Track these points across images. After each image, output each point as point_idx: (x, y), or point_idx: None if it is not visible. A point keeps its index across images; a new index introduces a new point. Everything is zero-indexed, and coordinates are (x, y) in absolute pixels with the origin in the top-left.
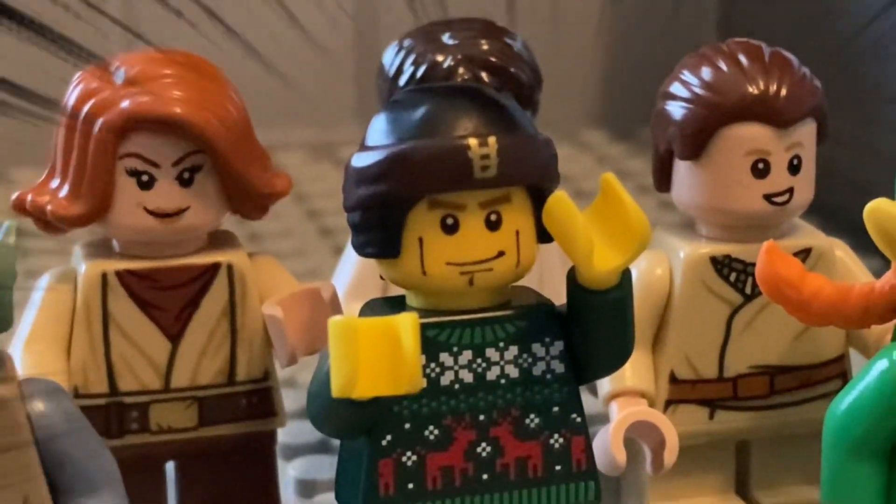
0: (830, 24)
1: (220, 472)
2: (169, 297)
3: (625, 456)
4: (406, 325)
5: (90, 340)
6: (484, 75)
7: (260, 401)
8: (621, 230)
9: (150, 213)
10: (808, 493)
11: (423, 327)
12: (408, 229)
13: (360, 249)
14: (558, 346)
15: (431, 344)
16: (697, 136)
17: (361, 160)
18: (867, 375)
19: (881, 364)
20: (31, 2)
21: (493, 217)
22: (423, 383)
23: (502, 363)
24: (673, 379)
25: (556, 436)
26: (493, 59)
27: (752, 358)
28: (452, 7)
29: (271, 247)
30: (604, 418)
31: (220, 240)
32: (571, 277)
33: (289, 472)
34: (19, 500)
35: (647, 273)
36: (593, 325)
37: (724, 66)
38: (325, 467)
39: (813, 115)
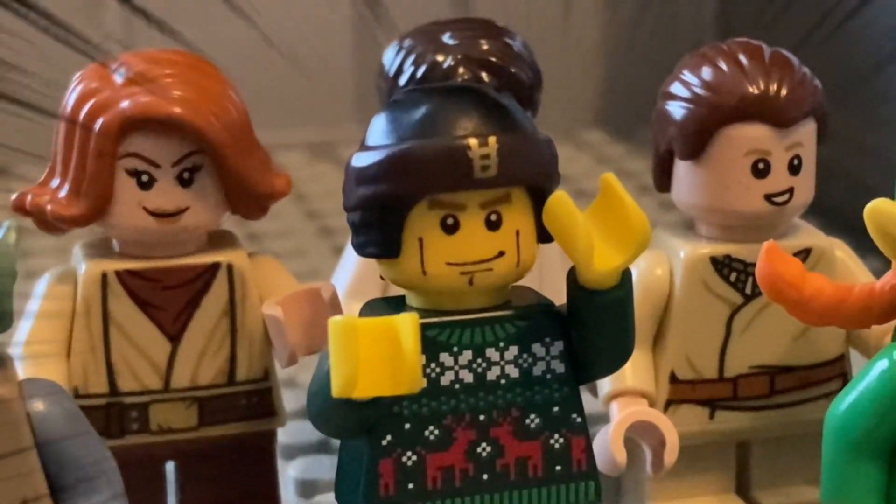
0: (830, 24)
1: (220, 472)
2: (169, 297)
3: (625, 456)
4: (406, 325)
5: (90, 340)
6: (484, 75)
7: (260, 401)
8: (621, 230)
9: (150, 213)
10: (808, 493)
11: (423, 327)
12: (408, 229)
13: (360, 249)
14: (558, 346)
15: (431, 344)
16: (698, 136)
17: (361, 160)
18: (867, 375)
19: (881, 364)
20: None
21: (493, 217)
22: (424, 383)
23: (502, 363)
24: (673, 379)
25: (556, 436)
26: (493, 59)
27: (753, 358)
28: (451, 7)
29: (271, 247)
30: (604, 418)
31: (219, 240)
32: (571, 277)
33: (289, 473)
34: (18, 500)
35: (647, 273)
36: (594, 326)
37: (724, 66)
38: (325, 467)
39: (813, 115)
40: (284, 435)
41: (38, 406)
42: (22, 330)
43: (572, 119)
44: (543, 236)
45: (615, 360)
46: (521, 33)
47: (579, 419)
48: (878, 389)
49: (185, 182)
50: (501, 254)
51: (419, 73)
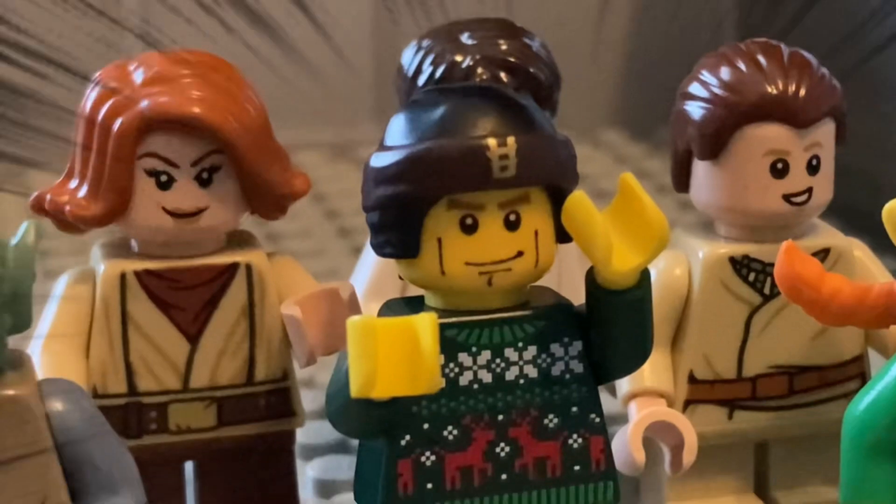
0: (849, 24)
1: (238, 473)
2: (188, 297)
3: (644, 456)
4: (425, 325)
5: (109, 340)
6: (503, 75)
7: (279, 401)
8: (640, 230)
9: (169, 213)
10: (827, 493)
11: (442, 327)
12: (426, 229)
13: (379, 249)
14: (577, 346)
15: (450, 344)
16: (716, 137)
17: (380, 160)
18: (886, 375)
19: None
20: None
21: (512, 217)
22: (442, 383)
23: (521, 363)
24: (692, 379)
25: (574, 436)
26: (511, 59)
27: (771, 358)
28: (467, 8)
29: (290, 247)
30: (623, 418)
31: (238, 240)
32: (590, 277)
33: (307, 473)
34: (38, 500)
35: (665, 273)
36: (612, 326)
37: (743, 67)
38: (343, 467)
39: (832, 116)
40: (303, 435)
41: (56, 406)
42: (41, 329)
43: (591, 119)
44: (562, 236)
45: (634, 360)
46: (540, 33)
47: (598, 419)
48: None
49: (203, 182)
50: (520, 254)
51: (438, 73)
